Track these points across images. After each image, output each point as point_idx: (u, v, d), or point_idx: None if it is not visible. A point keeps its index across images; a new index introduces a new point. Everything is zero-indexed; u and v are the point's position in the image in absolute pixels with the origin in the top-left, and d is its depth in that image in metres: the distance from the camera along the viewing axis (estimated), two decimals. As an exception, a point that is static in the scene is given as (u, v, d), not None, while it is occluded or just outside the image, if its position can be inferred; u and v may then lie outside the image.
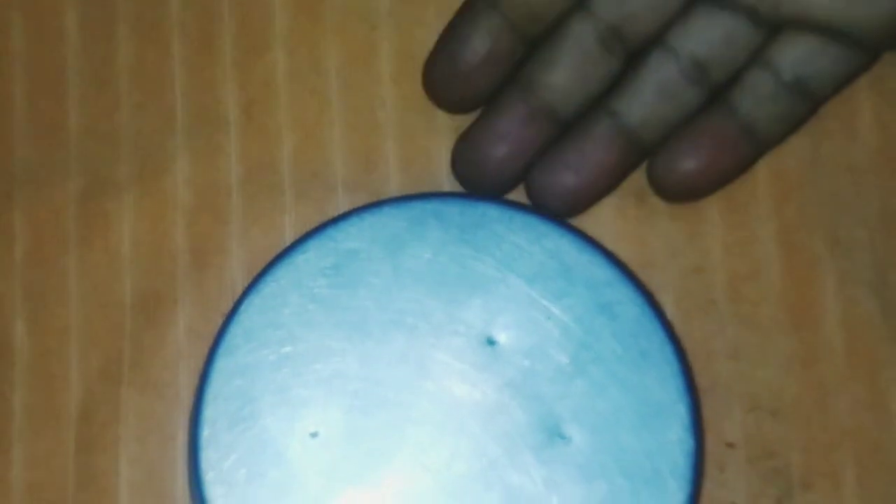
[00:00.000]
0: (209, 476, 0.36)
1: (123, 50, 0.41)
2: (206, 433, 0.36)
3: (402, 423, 0.36)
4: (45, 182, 0.40)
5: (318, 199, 0.40)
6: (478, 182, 0.39)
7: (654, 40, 0.38)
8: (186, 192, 0.40)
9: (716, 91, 0.38)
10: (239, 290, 0.38)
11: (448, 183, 0.40)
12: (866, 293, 0.39)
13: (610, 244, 0.39)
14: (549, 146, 0.38)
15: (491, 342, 0.37)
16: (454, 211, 0.37)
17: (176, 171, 0.40)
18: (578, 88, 0.38)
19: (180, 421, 0.38)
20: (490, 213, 0.38)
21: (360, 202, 0.38)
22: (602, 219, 0.40)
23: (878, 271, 0.39)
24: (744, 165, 0.39)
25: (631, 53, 0.38)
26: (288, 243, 0.38)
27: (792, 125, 0.39)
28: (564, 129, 0.38)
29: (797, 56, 0.37)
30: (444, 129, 0.40)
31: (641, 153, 0.38)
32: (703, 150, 0.38)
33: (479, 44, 0.38)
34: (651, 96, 0.38)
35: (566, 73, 0.38)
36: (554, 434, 0.36)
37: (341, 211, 0.38)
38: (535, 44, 0.38)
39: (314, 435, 0.36)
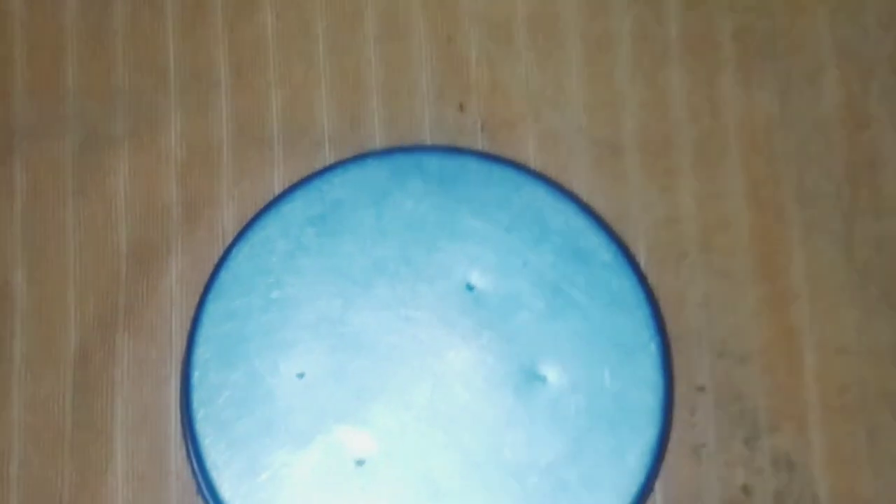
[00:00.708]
0: (200, 414, 0.38)
1: (119, 12, 0.42)
2: (197, 374, 0.38)
3: (385, 364, 0.38)
4: (44, 137, 0.41)
5: (305, 154, 0.41)
6: None
7: None
8: (179, 147, 0.41)
9: None
10: (229, 241, 0.39)
11: (430, 139, 0.41)
12: (831, 242, 0.41)
13: (585, 197, 0.40)
14: None
15: (470, 287, 0.38)
16: (434, 163, 0.39)
17: (169, 127, 0.42)
18: None
19: (173, 364, 0.40)
20: (469, 164, 0.39)
21: (345, 156, 0.40)
22: (577, 173, 0.41)
23: (844, 221, 0.41)
24: None
25: None
26: (276, 196, 0.39)
27: None
28: None
29: None
30: (426, 88, 0.42)
31: None
32: None
33: None
34: None
35: None
36: (531, 374, 0.38)
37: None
38: None
39: (300, 375, 0.38)
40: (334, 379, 0.38)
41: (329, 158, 0.41)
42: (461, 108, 0.41)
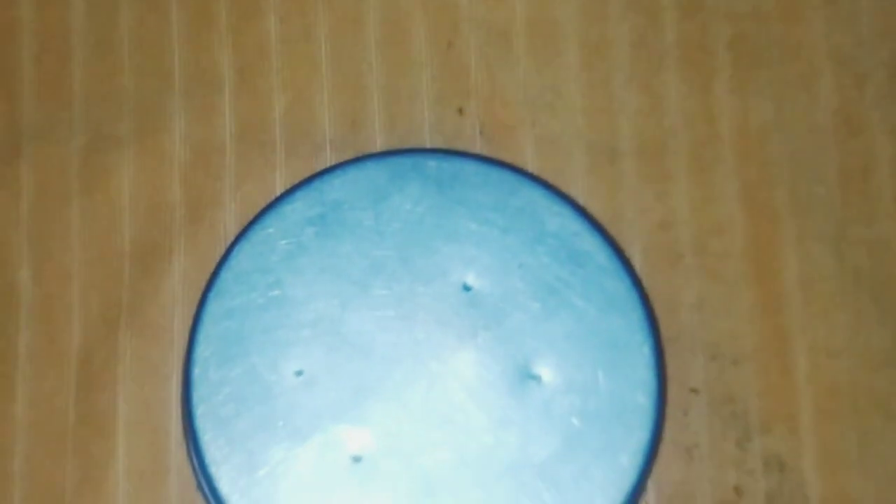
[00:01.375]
0: (200, 411, 0.38)
1: (125, 16, 0.43)
2: (197, 371, 0.38)
3: (382, 363, 0.38)
4: (50, 138, 0.42)
5: (307, 157, 0.42)
6: None
7: None
8: (183, 149, 0.42)
9: None
10: (231, 240, 0.40)
11: (429, 142, 0.42)
12: (824, 247, 0.41)
13: (582, 201, 0.41)
14: None
15: (467, 288, 0.39)
16: (432, 165, 0.40)
17: (173, 129, 0.42)
18: None
19: (174, 362, 0.41)
20: (467, 167, 0.40)
21: (346, 159, 0.41)
22: (574, 177, 0.42)
23: (836, 227, 0.41)
24: None
25: None
26: (277, 196, 0.40)
27: None
28: None
29: None
30: (425, 92, 0.42)
31: None
32: None
33: None
34: None
35: None
36: (526, 374, 0.38)
37: (328, 167, 0.41)
38: None
39: (299, 373, 0.38)
40: (332, 377, 0.38)
41: (330, 160, 0.42)
42: (460, 112, 0.42)
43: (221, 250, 0.40)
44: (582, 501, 0.38)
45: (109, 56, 0.43)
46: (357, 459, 0.38)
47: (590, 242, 0.39)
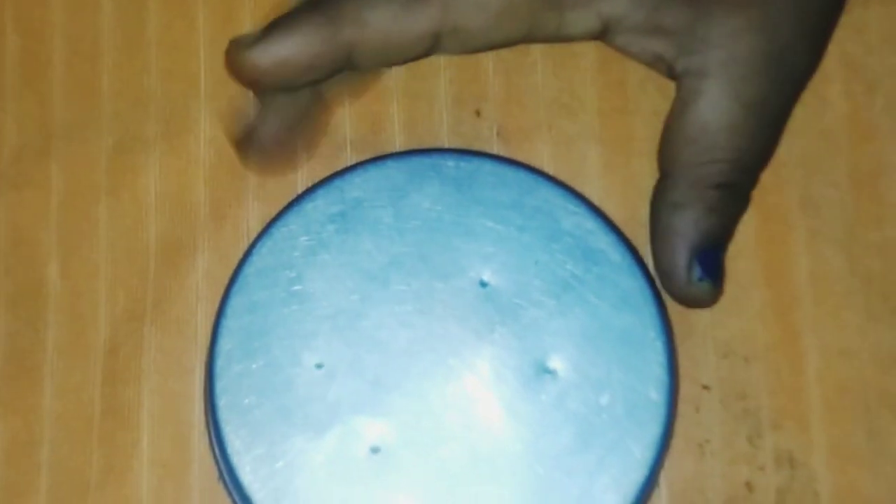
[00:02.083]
0: (222, 402, 0.39)
1: (153, 21, 0.45)
2: (220, 364, 0.39)
3: (401, 357, 0.39)
4: (79, 138, 0.43)
5: (328, 157, 0.43)
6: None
7: None
8: (207, 150, 0.43)
9: None
10: (253, 238, 0.41)
11: (447, 143, 0.43)
12: (834, 249, 0.42)
13: (597, 201, 0.42)
14: None
15: (483, 284, 0.40)
16: (450, 165, 0.41)
17: (198, 131, 0.43)
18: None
19: (197, 356, 0.42)
20: (484, 167, 0.41)
21: (366, 159, 0.42)
22: (590, 178, 0.43)
23: (846, 229, 0.42)
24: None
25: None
26: (299, 194, 0.41)
27: None
28: None
29: None
30: (444, 95, 0.43)
31: None
32: None
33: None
34: None
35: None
36: (541, 368, 0.39)
37: (349, 167, 0.42)
38: None
39: (319, 366, 0.39)
40: (351, 370, 0.39)
41: (350, 160, 0.43)
42: (478, 114, 0.43)
43: (244, 247, 0.41)
44: (595, 494, 0.39)
45: (137, 59, 0.44)
46: (375, 450, 0.39)
47: (604, 241, 0.40)
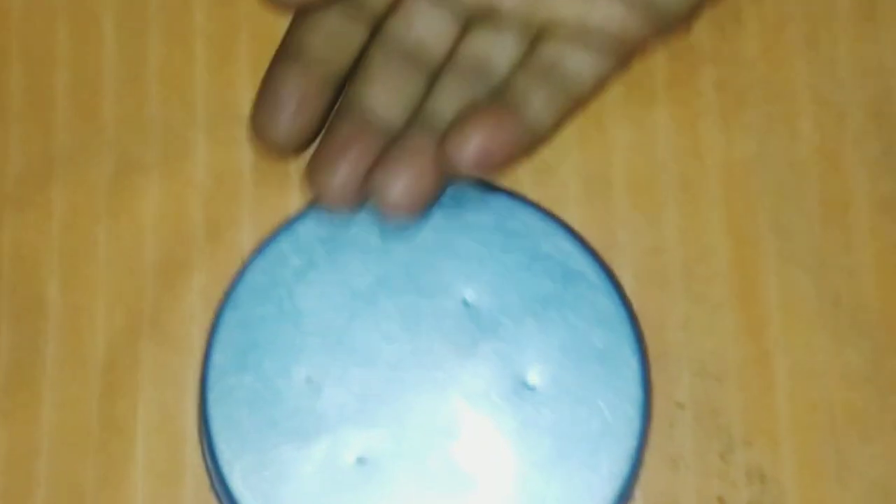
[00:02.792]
0: (214, 413, 0.41)
1: (154, 53, 0.47)
2: (212, 376, 0.41)
3: (387, 372, 0.41)
4: (81, 163, 0.45)
5: (320, 183, 0.45)
6: (329, 203, 0.41)
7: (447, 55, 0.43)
8: (204, 175, 0.45)
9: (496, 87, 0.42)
10: (247, 258, 0.43)
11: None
12: (804, 274, 0.44)
13: (577, 227, 0.44)
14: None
15: (466, 303, 0.42)
16: (436, 188, 0.43)
17: (196, 157, 0.45)
18: (395, 101, 0.42)
19: (192, 371, 0.43)
20: (468, 192, 0.43)
21: (356, 185, 0.44)
22: (570, 205, 0.45)
23: (815, 254, 0.44)
24: (523, 147, 0.41)
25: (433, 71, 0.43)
26: (291, 216, 0.43)
27: (560, 116, 0.42)
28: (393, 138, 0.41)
29: (564, 62, 0.42)
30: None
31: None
32: (485, 131, 0.40)
33: (289, 99, 0.41)
34: (458, 99, 0.42)
35: (382, 89, 0.42)
36: (520, 383, 0.41)
37: (340, 192, 0.44)
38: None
39: (308, 380, 0.41)
40: (339, 384, 0.41)
41: (341, 186, 0.45)
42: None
43: (238, 267, 0.43)
44: (572, 505, 0.40)
45: (138, 88, 0.46)
46: (362, 461, 0.40)
47: (582, 263, 0.42)
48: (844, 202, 0.45)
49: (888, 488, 0.42)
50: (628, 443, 0.41)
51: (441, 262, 0.42)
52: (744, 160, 0.45)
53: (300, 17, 0.43)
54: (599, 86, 0.43)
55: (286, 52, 0.42)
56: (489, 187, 0.43)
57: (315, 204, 0.43)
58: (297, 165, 0.45)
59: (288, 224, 0.43)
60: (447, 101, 0.41)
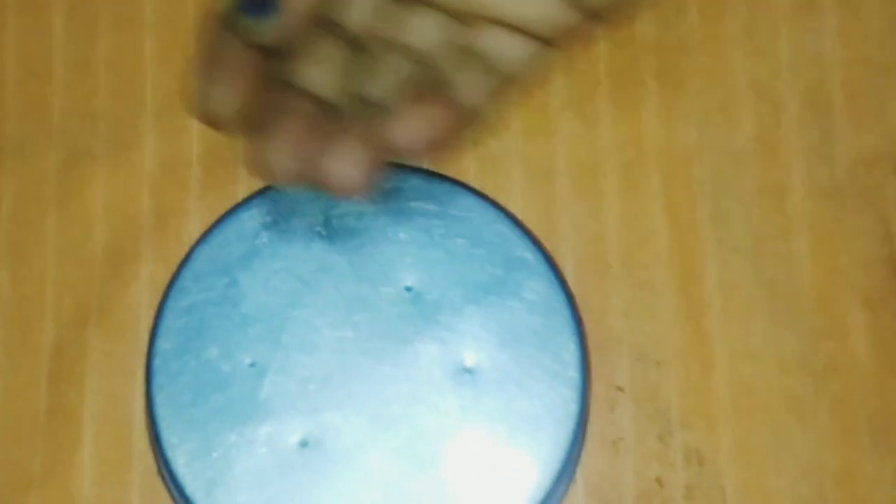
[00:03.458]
0: (159, 398, 0.41)
1: (102, 44, 0.47)
2: (157, 362, 0.42)
3: (329, 357, 0.42)
4: (30, 154, 0.46)
5: (266, 173, 0.45)
6: (269, 179, 0.40)
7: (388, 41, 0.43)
8: (152, 164, 0.46)
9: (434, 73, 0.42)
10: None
11: (379, 159, 0.46)
12: (742, 260, 0.45)
13: (520, 215, 0.44)
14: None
15: (408, 289, 0.42)
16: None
17: (144, 147, 0.46)
18: (328, 77, 0.41)
19: (139, 359, 0.44)
20: (410, 180, 0.43)
21: (302, 174, 0.44)
22: (513, 193, 0.45)
23: (753, 241, 0.45)
24: (457, 130, 0.41)
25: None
26: (236, 204, 0.44)
27: (492, 96, 0.42)
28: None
29: (491, 45, 0.42)
30: None
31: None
32: (421, 114, 0.40)
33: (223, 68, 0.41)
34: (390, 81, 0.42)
35: (316, 66, 0.41)
36: (461, 368, 0.42)
37: (286, 181, 0.44)
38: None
39: (252, 365, 0.42)
40: (283, 369, 0.42)
41: (287, 175, 0.45)
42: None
43: (184, 255, 0.44)
44: (511, 488, 0.41)
45: (87, 80, 0.47)
46: (304, 444, 0.41)
47: (523, 250, 0.43)
48: (781, 189, 0.45)
49: (822, 471, 0.43)
50: (567, 425, 0.41)
51: (384, 249, 0.43)
52: (684, 148, 0.46)
53: None
54: (532, 66, 0.43)
55: (224, 24, 0.42)
56: (432, 175, 0.44)
57: (260, 192, 0.43)
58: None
59: (232, 211, 0.43)
60: (381, 80, 0.42)
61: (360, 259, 0.42)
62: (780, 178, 0.45)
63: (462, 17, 0.43)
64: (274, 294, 0.42)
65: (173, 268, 0.44)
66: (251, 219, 0.43)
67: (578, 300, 0.43)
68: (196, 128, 0.46)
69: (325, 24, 0.43)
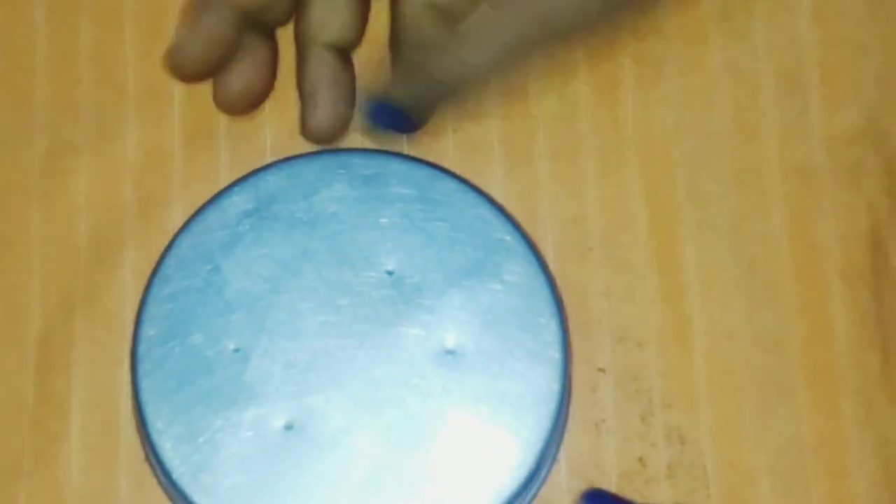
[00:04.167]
0: (145, 385, 0.42)
1: (84, 35, 0.47)
2: (142, 349, 0.42)
3: (313, 341, 0.42)
4: (14, 145, 0.46)
5: (249, 161, 0.45)
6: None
7: None
8: (135, 154, 0.46)
9: None
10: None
11: (362, 145, 0.46)
12: (720, 240, 0.45)
13: (500, 199, 0.45)
14: None
15: (390, 273, 0.43)
16: (358, 163, 0.44)
17: (126, 137, 0.46)
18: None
19: (125, 346, 0.44)
20: (391, 164, 0.44)
21: (283, 160, 0.45)
22: (493, 177, 0.46)
23: (731, 221, 0.45)
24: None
25: None
26: (218, 191, 0.44)
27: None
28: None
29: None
30: (359, 103, 0.46)
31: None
32: None
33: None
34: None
35: None
36: (442, 350, 0.42)
37: (269, 169, 0.45)
38: None
39: (236, 350, 0.42)
40: (266, 354, 0.42)
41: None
42: (387, 117, 0.46)
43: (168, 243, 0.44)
44: (495, 468, 0.41)
45: (69, 70, 0.47)
46: (289, 427, 0.41)
47: (503, 232, 0.43)
48: (758, 170, 0.46)
49: (802, 446, 0.44)
50: (549, 406, 0.42)
51: (365, 233, 0.43)
52: (662, 131, 0.46)
53: None
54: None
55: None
56: (412, 160, 0.44)
57: (241, 180, 0.44)
58: (228, 144, 0.46)
59: (214, 199, 0.43)
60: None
61: (341, 244, 0.43)
62: (757, 158, 0.46)
63: None
64: (257, 280, 0.42)
65: (157, 256, 0.44)
66: (233, 206, 0.43)
67: (559, 282, 0.44)
68: (178, 117, 0.46)
69: None
